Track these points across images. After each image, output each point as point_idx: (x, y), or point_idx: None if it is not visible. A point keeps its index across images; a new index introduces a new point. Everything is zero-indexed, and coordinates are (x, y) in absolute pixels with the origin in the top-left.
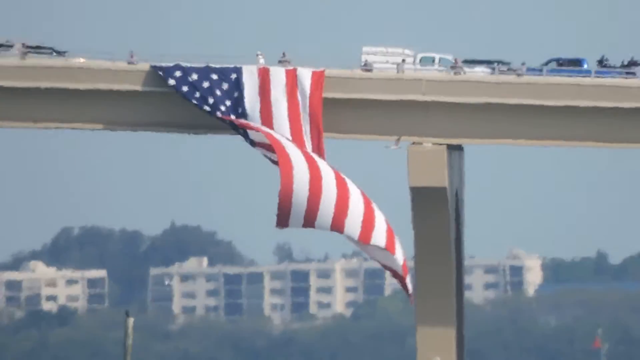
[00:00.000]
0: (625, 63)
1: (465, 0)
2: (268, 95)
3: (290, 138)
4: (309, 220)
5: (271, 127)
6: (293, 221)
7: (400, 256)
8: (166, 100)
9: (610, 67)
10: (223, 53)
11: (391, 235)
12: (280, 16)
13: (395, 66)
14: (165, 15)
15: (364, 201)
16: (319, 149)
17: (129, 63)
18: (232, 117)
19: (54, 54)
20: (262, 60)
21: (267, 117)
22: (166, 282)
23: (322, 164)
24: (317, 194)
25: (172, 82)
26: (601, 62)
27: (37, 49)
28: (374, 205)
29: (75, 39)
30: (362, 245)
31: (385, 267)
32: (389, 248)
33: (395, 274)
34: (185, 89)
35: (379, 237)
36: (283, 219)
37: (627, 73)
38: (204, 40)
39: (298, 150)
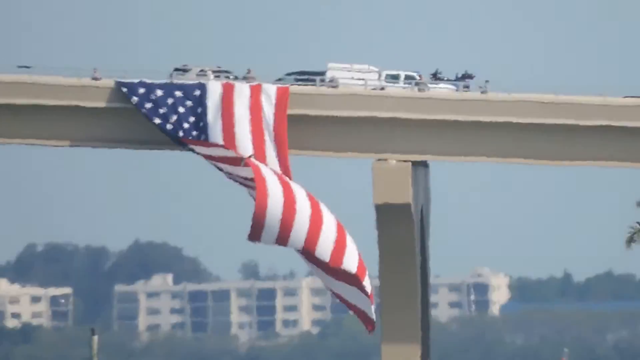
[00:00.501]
0: (459, 75)
1: (430, 18)
2: (231, 111)
3: (252, 154)
4: (283, 237)
5: (233, 145)
6: (266, 236)
7: (368, 285)
8: (131, 116)
9: (443, 79)
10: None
11: (362, 264)
12: (246, 32)
13: (360, 82)
14: (129, 32)
15: (337, 225)
16: (284, 166)
17: (94, 79)
18: (193, 138)
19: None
20: (211, 76)
21: (229, 133)
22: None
23: (294, 185)
24: (292, 211)
25: (135, 99)
26: (435, 75)
27: None
28: (347, 232)
29: (40, 55)
30: (331, 269)
31: (347, 302)
32: (360, 274)
33: (355, 309)
34: (147, 106)
35: (350, 261)
36: (256, 233)
37: (464, 86)
38: (168, 56)
39: (270, 171)
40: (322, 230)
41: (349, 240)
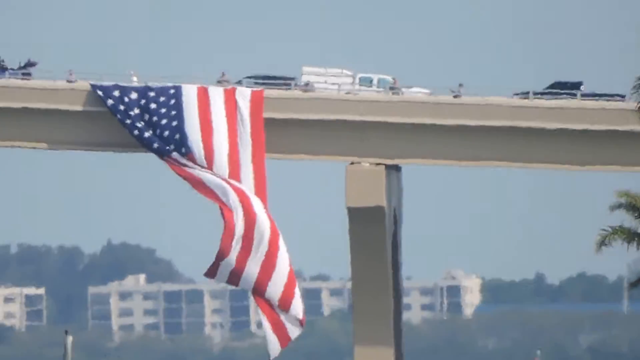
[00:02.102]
0: (22, 64)
1: (404, 22)
2: (208, 114)
3: (227, 160)
4: (233, 279)
5: (211, 148)
6: (220, 276)
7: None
8: (106, 119)
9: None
10: (163, 73)
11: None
12: (220, 36)
13: (334, 86)
14: (105, 35)
15: (289, 272)
16: (260, 171)
17: (68, 82)
18: (171, 143)
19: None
20: (135, 79)
21: (207, 137)
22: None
23: (260, 213)
24: (246, 254)
25: (110, 102)
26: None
27: None
28: (296, 280)
29: (17, 56)
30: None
31: (270, 316)
32: (303, 321)
33: (277, 322)
34: (121, 108)
35: (297, 307)
36: (212, 271)
37: (23, 74)
38: (143, 60)
39: (240, 206)
40: (275, 271)
41: (297, 288)
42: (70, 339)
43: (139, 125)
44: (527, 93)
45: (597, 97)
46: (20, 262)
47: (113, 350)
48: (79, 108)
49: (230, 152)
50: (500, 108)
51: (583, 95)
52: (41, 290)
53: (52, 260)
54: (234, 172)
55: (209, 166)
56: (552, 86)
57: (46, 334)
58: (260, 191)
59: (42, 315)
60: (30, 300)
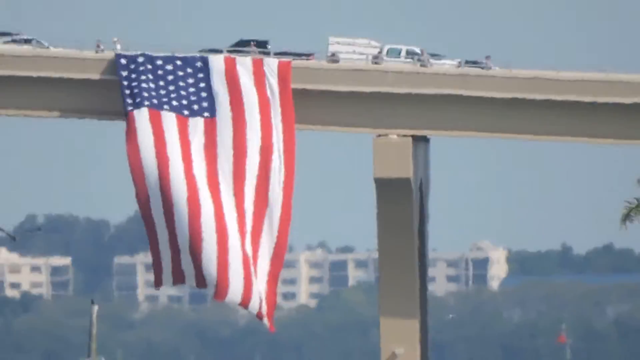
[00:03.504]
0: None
1: None
2: (237, 84)
3: (259, 128)
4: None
5: (242, 117)
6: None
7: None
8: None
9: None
10: (190, 43)
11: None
12: (247, 8)
13: (362, 57)
14: (130, 6)
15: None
16: (290, 140)
17: (97, 52)
18: (201, 112)
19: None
20: (118, 46)
21: (238, 106)
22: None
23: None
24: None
25: (124, 73)
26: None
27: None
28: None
29: (41, 27)
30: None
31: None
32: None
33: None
34: (133, 76)
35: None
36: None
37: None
38: (169, 32)
39: (210, 203)
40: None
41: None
42: (95, 308)
43: (156, 91)
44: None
45: (286, 55)
46: (46, 232)
47: (138, 320)
48: (107, 77)
49: (262, 118)
50: (528, 80)
51: (276, 53)
52: (67, 260)
53: (79, 230)
54: (267, 136)
55: (239, 131)
56: (237, 44)
57: (72, 303)
58: (290, 161)
59: (68, 285)
60: (56, 270)
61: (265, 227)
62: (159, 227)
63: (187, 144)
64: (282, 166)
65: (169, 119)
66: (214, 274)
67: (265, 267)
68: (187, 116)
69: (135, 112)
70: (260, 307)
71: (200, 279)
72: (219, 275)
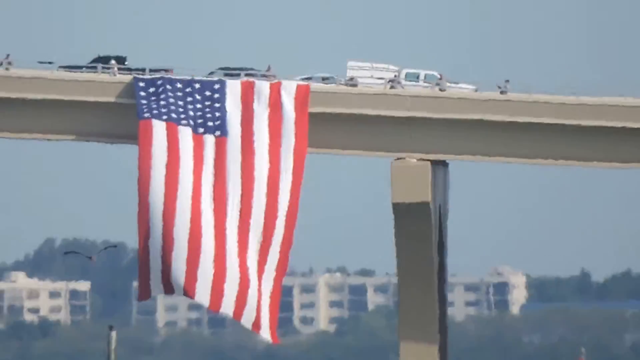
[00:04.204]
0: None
1: (450, 18)
2: (251, 107)
3: (267, 152)
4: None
5: (251, 141)
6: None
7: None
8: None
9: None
10: (208, 67)
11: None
12: (266, 31)
13: (380, 81)
14: (148, 29)
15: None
16: (299, 166)
17: (112, 75)
18: (211, 132)
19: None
20: (116, 68)
21: (248, 128)
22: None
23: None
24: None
25: (142, 94)
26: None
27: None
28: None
29: (57, 49)
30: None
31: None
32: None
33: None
34: (153, 99)
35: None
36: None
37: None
38: (188, 54)
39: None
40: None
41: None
42: (114, 333)
43: (174, 106)
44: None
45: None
46: (65, 256)
47: (157, 345)
48: (123, 100)
49: (271, 143)
50: (546, 105)
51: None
52: (86, 285)
53: (97, 255)
54: (275, 162)
55: (247, 153)
56: (95, 60)
57: (91, 328)
58: (296, 185)
59: (86, 310)
60: (75, 294)
61: (270, 248)
62: (154, 234)
63: (199, 159)
64: (289, 190)
65: (185, 133)
66: (209, 286)
67: (268, 285)
68: (201, 133)
69: (153, 120)
70: (256, 320)
71: (191, 289)
72: (213, 288)
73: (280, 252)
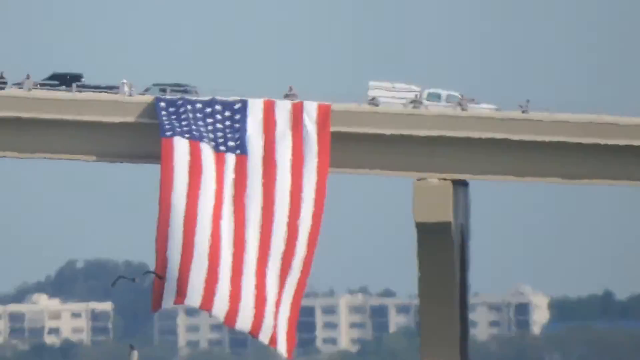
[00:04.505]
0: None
1: (472, 38)
2: (273, 127)
3: (289, 171)
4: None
5: (273, 160)
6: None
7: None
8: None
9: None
10: (229, 87)
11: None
12: (287, 51)
13: (401, 101)
14: (169, 49)
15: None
16: (321, 186)
17: (129, 95)
18: (232, 151)
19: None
20: (126, 89)
21: (270, 148)
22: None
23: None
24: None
25: (164, 113)
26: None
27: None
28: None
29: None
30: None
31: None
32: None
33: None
34: (174, 117)
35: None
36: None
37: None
38: (209, 75)
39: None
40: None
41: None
42: (135, 353)
43: (195, 125)
44: None
45: (93, 90)
46: (86, 277)
47: None
48: (143, 120)
49: (294, 163)
50: (568, 124)
51: (80, 86)
52: (108, 305)
53: (119, 275)
54: (297, 183)
55: (268, 172)
56: (51, 77)
57: (112, 348)
58: (319, 204)
59: (108, 330)
60: (96, 315)
61: (290, 266)
62: (173, 247)
63: (220, 176)
64: (311, 209)
65: (207, 151)
66: (226, 301)
67: (287, 302)
68: (222, 152)
69: (175, 138)
70: (273, 335)
71: (208, 304)
72: (231, 303)
73: (302, 271)
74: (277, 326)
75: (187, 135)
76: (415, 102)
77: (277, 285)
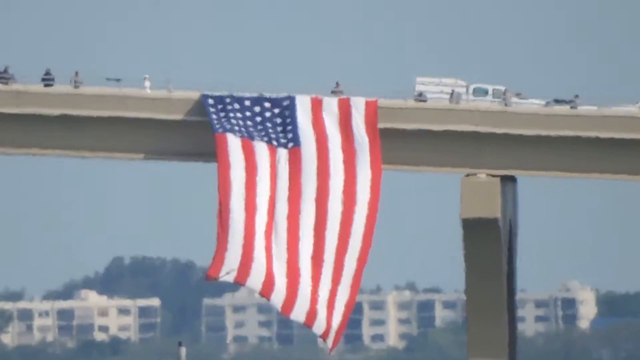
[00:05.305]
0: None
1: (517, 33)
2: (322, 124)
3: (342, 166)
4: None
5: (326, 157)
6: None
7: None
8: (208, 129)
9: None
10: (276, 84)
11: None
12: (333, 47)
13: (448, 96)
14: (217, 46)
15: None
16: (375, 181)
17: (168, 91)
18: (285, 146)
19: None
20: (147, 83)
21: (322, 146)
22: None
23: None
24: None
25: (212, 110)
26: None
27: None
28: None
29: (127, 68)
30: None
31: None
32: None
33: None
34: (222, 115)
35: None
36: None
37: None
38: (256, 72)
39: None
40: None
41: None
42: (184, 350)
43: (244, 123)
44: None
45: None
46: (134, 274)
47: None
48: (190, 118)
49: (346, 159)
50: (616, 119)
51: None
52: (155, 302)
53: (166, 272)
54: (350, 180)
55: (322, 163)
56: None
57: (160, 345)
58: (374, 200)
59: (155, 327)
60: (144, 311)
61: (344, 260)
62: (235, 231)
63: (273, 171)
64: (366, 208)
65: (260, 145)
66: (283, 291)
67: (343, 299)
68: (275, 146)
69: (228, 134)
70: (326, 329)
71: (267, 293)
72: (287, 295)
73: (357, 265)
74: (332, 321)
75: (237, 132)
76: (460, 96)
77: (330, 280)
